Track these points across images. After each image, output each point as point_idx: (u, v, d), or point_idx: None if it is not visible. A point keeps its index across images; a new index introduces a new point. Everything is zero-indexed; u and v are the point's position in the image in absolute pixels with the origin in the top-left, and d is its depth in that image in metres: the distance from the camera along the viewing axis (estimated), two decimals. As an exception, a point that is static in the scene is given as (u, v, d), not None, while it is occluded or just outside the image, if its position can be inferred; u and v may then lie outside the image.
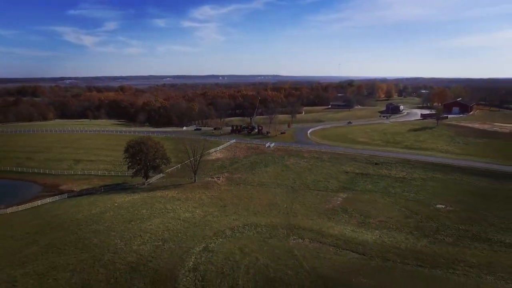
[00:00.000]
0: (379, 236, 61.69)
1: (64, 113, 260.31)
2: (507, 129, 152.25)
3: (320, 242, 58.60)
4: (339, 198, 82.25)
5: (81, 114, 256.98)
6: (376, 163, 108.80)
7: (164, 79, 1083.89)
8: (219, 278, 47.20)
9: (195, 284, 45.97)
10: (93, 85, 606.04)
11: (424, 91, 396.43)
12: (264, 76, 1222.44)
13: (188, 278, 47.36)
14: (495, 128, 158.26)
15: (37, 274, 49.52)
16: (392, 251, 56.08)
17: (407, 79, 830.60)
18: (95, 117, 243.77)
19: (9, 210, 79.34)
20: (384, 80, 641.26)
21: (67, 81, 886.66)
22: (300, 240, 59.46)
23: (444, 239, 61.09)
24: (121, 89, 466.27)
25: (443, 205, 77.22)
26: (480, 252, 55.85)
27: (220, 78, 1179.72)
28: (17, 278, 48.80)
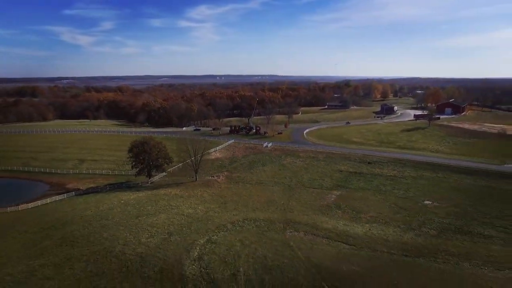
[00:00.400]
0: (369, 230, 66.55)
1: (64, 113, 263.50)
2: (495, 129, 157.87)
3: (314, 235, 63.40)
4: (333, 195, 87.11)
5: (80, 114, 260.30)
6: (369, 162, 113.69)
7: (161, 79, 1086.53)
8: (222, 266, 51.82)
9: (200, 271, 50.55)
10: (90, 85, 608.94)
11: (419, 91, 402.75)
12: (261, 76, 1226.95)
13: (193, 266, 51.95)
14: (484, 128, 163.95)
15: (54, 265, 53.89)
16: (380, 242, 60.95)
17: (403, 79, 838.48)
18: (95, 118, 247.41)
19: (20, 207, 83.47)
20: (380, 80, 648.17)
21: (64, 81, 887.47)
22: (296, 233, 64.24)
23: (428, 231, 66.07)
24: (119, 89, 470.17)
25: (430, 201, 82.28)
26: (460, 243, 60.87)
27: (218, 78, 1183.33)
28: (35, 268, 53.15)
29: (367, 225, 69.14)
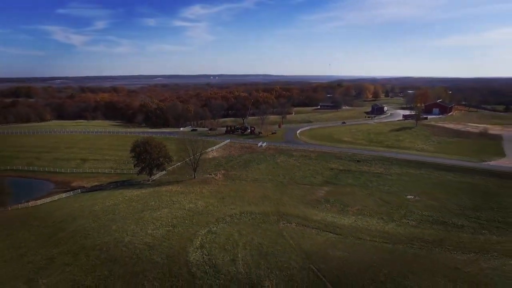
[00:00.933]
0: (355, 221, 73.34)
1: (61, 114, 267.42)
2: (478, 129, 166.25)
3: (305, 226, 69.96)
4: (323, 191, 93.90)
5: (78, 115, 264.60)
6: (358, 161, 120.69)
7: (155, 79, 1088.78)
8: (222, 253, 58.06)
9: (203, 257, 56.73)
10: (84, 85, 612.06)
11: (410, 91, 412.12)
12: (255, 75, 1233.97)
13: (197, 253, 58.11)
14: (468, 128, 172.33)
15: (71, 253, 59.66)
16: (364, 232, 67.65)
17: (396, 78, 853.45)
18: (92, 118, 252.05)
19: (30, 204, 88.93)
20: (374, 80, 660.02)
21: (58, 81, 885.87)
22: (288, 224, 70.76)
23: (408, 222, 73.05)
24: (114, 90, 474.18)
25: (412, 196, 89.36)
26: (435, 232, 67.87)
27: (211, 78, 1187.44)
28: (54, 255, 58.90)
29: (353, 217, 75.94)
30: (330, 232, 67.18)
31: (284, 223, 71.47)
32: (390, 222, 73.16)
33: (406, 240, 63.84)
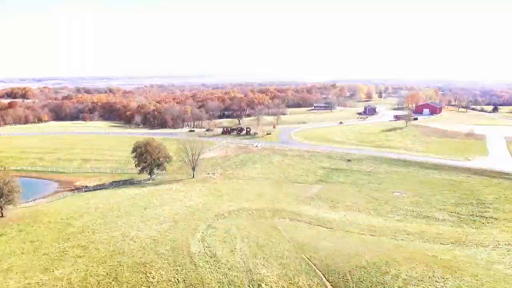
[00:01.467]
0: (344, 216, 78.96)
1: (58, 115, 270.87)
2: (465, 129, 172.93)
3: (298, 220, 75.45)
4: (315, 189, 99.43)
5: (75, 116, 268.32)
6: (349, 160, 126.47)
7: (150, 79, 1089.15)
8: (222, 245, 63.27)
9: (204, 249, 61.91)
10: (79, 85, 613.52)
11: (404, 91, 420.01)
12: (251, 76, 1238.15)
13: (198, 245, 63.24)
14: (456, 128, 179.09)
15: (81, 246, 64.47)
16: (352, 226, 73.31)
17: (392, 79, 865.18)
18: (90, 119, 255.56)
19: (38, 202, 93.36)
20: (369, 81, 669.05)
21: (52, 82, 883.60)
22: (282, 219, 76.19)
23: (394, 217, 78.84)
24: (110, 90, 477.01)
25: (399, 192, 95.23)
26: (418, 225, 73.73)
27: (207, 78, 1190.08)
28: (66, 249, 63.66)
29: (343, 212, 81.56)
30: (321, 226, 72.73)
31: (278, 218, 76.87)
32: (377, 217, 78.89)
33: (391, 233, 69.61)
